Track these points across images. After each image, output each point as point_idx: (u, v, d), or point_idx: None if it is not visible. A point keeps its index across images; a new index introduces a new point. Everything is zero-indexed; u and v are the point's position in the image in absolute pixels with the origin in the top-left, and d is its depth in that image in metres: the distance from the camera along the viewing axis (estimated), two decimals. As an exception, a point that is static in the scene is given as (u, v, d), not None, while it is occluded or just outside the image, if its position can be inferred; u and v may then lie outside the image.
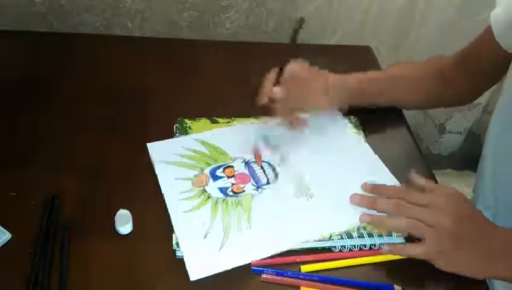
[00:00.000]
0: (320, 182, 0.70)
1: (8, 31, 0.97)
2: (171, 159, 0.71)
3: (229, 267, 0.59)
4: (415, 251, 0.59)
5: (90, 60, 0.92)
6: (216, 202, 0.66)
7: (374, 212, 0.63)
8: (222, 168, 0.71)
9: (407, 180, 0.66)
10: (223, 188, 0.68)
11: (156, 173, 0.69)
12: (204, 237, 0.62)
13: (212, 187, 0.68)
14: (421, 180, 0.65)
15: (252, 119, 0.79)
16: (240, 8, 1.15)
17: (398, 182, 0.71)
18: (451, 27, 1.26)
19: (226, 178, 0.70)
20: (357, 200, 0.65)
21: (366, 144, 0.77)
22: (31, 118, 0.78)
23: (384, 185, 0.66)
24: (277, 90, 0.70)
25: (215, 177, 0.69)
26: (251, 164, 0.72)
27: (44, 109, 0.80)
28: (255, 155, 0.74)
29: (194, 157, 0.72)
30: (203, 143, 0.75)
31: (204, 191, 0.67)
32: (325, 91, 0.76)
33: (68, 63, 0.91)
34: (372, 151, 0.76)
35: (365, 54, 1.01)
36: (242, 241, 0.62)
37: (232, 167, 0.71)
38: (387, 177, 0.72)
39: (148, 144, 0.73)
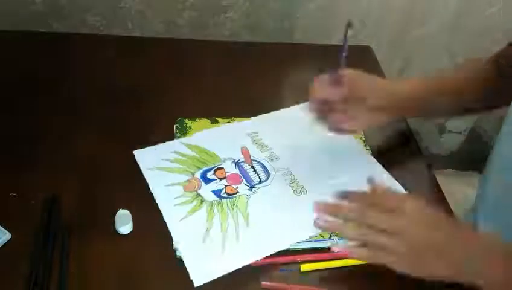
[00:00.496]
0: (312, 180, 0.70)
1: (8, 31, 0.97)
2: (160, 165, 0.70)
3: (233, 269, 0.58)
4: (387, 261, 0.55)
5: (90, 60, 0.92)
6: (211, 205, 0.66)
7: None
8: (213, 170, 0.70)
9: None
10: (216, 190, 0.68)
11: (146, 180, 0.68)
12: (203, 242, 0.61)
13: (206, 190, 0.68)
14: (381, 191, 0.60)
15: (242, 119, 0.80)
16: (240, 8, 1.15)
17: (388, 175, 0.72)
18: (450, 27, 1.26)
19: (218, 180, 0.69)
20: (322, 225, 0.58)
21: (359, 143, 0.78)
22: (31, 118, 0.78)
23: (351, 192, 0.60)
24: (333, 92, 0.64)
25: (207, 180, 0.69)
26: (241, 164, 0.72)
27: (44, 109, 0.80)
28: (244, 155, 0.73)
29: (183, 162, 0.71)
30: (191, 147, 0.74)
31: (198, 195, 0.67)
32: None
33: (68, 63, 0.91)
34: (365, 149, 0.77)
35: (365, 54, 1.01)
36: (242, 242, 0.62)
37: (222, 168, 0.71)
38: (378, 171, 0.72)
39: (134, 152, 0.71)
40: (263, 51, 1.00)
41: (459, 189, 1.22)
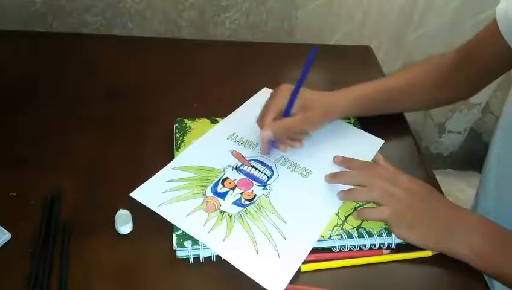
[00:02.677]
0: (309, 160, 0.73)
1: (8, 31, 0.97)
2: (167, 199, 0.65)
3: (299, 266, 0.59)
4: (382, 215, 0.63)
5: (90, 60, 0.92)
6: (240, 217, 0.64)
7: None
8: (220, 183, 0.69)
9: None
10: (236, 201, 0.66)
11: (164, 217, 0.63)
12: (258, 254, 0.60)
13: (226, 205, 0.65)
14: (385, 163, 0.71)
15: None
16: (240, 8, 1.15)
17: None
18: (450, 27, 1.26)
19: (231, 191, 0.68)
20: (328, 178, 0.69)
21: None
22: (31, 118, 0.78)
23: (352, 159, 0.71)
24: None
25: (222, 195, 0.67)
26: (241, 167, 0.71)
27: (44, 109, 0.80)
28: (238, 158, 0.72)
29: (187, 186, 0.67)
30: (184, 168, 0.70)
31: (222, 212, 0.64)
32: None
33: (68, 63, 0.91)
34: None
35: (365, 54, 1.01)
36: (289, 238, 0.62)
37: (227, 178, 0.69)
38: (360, 136, 0.78)
39: (132, 194, 0.65)
40: (263, 51, 1.01)
41: (459, 189, 1.22)
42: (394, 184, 0.64)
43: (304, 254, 0.60)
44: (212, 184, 0.68)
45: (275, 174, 0.71)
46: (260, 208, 0.66)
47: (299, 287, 0.58)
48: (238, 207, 0.65)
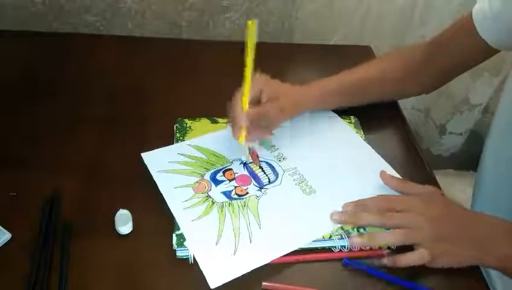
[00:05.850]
0: (320, 179, 0.70)
1: (8, 31, 0.97)
2: (168, 168, 0.70)
3: (247, 271, 0.58)
4: (423, 260, 0.59)
5: (90, 60, 0.92)
6: (222, 207, 0.65)
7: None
8: (221, 171, 0.70)
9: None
10: (226, 191, 0.67)
11: (156, 183, 0.67)
12: (216, 244, 0.61)
13: (216, 192, 0.67)
14: (395, 184, 0.68)
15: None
16: (240, 8, 1.15)
17: (399, 177, 0.71)
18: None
19: (228, 181, 0.69)
20: (338, 218, 0.63)
21: (364, 141, 0.78)
22: (31, 118, 0.78)
23: (363, 200, 0.65)
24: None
25: (217, 182, 0.69)
26: (249, 164, 0.72)
27: (44, 108, 0.80)
28: (252, 156, 0.73)
29: (191, 164, 0.71)
30: (199, 148, 0.73)
31: (208, 196, 0.66)
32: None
33: (68, 63, 0.91)
34: (370, 147, 0.77)
35: (365, 54, 1.01)
36: (255, 244, 0.61)
37: (231, 169, 0.71)
38: (388, 172, 0.71)
39: (142, 154, 0.71)
40: (263, 51, 1.00)
41: (459, 189, 1.22)
42: (414, 213, 0.61)
43: (259, 262, 0.59)
44: (214, 170, 0.70)
45: (278, 181, 0.70)
46: (244, 206, 0.66)
47: (291, 287, 0.58)
48: (225, 198, 0.66)
